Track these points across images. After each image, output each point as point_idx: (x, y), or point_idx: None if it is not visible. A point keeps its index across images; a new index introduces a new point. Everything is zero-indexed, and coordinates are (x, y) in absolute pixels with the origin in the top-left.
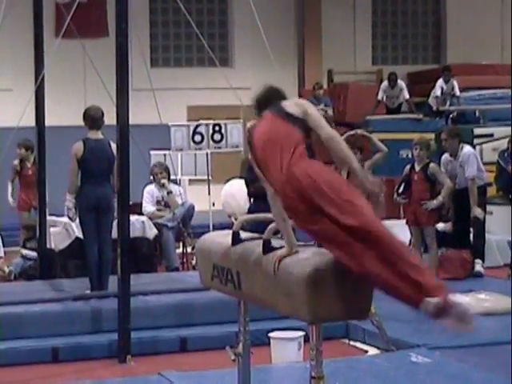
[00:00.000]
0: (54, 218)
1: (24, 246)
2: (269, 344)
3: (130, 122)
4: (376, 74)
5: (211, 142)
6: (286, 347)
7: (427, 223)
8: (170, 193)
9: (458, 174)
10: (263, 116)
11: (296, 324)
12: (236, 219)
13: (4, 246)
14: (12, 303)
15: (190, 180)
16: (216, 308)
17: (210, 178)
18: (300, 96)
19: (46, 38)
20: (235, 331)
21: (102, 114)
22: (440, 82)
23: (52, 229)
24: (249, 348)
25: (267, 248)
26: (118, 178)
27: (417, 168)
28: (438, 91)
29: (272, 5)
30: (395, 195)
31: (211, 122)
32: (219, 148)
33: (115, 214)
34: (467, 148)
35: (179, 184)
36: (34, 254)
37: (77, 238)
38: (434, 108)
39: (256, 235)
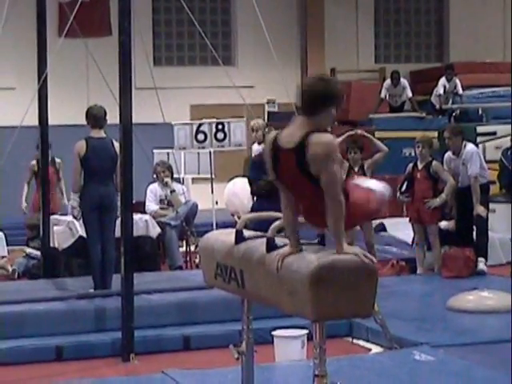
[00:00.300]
0: (57, 216)
1: (28, 245)
2: (272, 342)
3: (133, 121)
4: (379, 73)
5: (214, 140)
6: (290, 345)
7: (430, 221)
8: (173, 191)
9: (460, 172)
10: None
11: (299, 322)
12: (239, 218)
13: (8, 245)
14: (16, 302)
15: (193, 179)
16: (219, 306)
17: (213, 176)
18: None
19: (49, 37)
20: (238, 330)
21: (105, 113)
22: (443, 80)
23: (55, 228)
24: (252, 346)
25: (271, 246)
26: (121, 176)
27: (419, 166)
28: (440, 89)
29: (275, 3)
30: (398, 193)
31: (214, 120)
32: (222, 147)
33: (118, 212)
34: (470, 146)
35: (182, 183)
36: (37, 252)
37: (80, 237)
38: (437, 106)
39: (259, 234)
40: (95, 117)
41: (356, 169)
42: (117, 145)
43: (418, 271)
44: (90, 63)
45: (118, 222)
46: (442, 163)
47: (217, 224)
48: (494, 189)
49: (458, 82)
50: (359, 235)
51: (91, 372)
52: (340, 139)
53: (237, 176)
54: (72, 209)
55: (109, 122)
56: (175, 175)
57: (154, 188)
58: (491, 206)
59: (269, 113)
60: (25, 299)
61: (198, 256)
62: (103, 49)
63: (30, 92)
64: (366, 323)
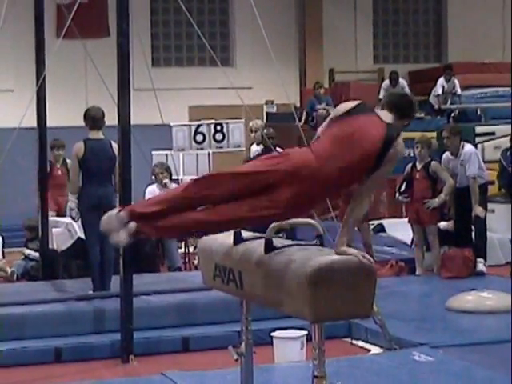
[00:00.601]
0: (56, 218)
1: (26, 247)
2: (271, 343)
3: (132, 122)
4: (377, 73)
5: (213, 141)
6: (289, 346)
7: (429, 222)
8: None
9: (459, 172)
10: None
11: (298, 323)
12: None
13: (6, 247)
14: (14, 304)
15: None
16: (218, 308)
17: None
18: (301, 95)
19: (47, 39)
20: (237, 331)
21: (103, 115)
22: (441, 80)
23: (54, 229)
24: (251, 347)
25: (269, 247)
26: (119, 178)
27: (418, 166)
28: (439, 90)
29: (273, 4)
30: (397, 194)
31: (213, 121)
32: (221, 148)
33: None
34: (468, 146)
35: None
36: (36, 254)
37: (79, 239)
38: (436, 107)
39: (258, 234)
40: (93, 118)
41: None
42: (115, 146)
43: (417, 272)
44: (89, 64)
45: None
46: (440, 163)
47: None
48: (493, 189)
49: (456, 82)
50: (357, 236)
51: (90, 374)
52: None
53: None
54: (70, 210)
55: (107, 123)
56: (174, 176)
57: (153, 189)
58: (490, 206)
59: (267, 114)
60: (24, 301)
61: (196, 257)
62: (101, 50)
63: (29, 94)
64: (365, 324)
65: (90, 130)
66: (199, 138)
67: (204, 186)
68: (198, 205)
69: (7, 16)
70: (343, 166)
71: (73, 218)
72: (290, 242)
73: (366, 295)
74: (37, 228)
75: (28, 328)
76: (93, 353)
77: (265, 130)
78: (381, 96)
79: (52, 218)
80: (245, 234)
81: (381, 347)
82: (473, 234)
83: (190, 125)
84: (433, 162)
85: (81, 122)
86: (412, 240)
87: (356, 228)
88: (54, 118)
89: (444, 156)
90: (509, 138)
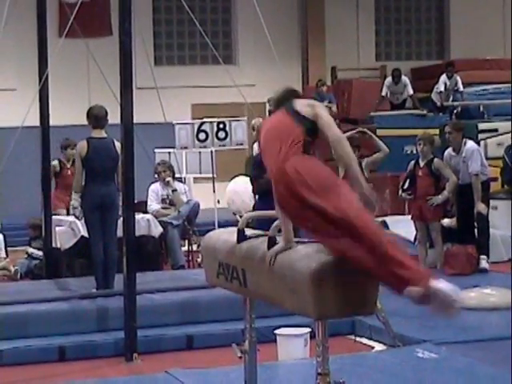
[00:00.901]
0: (59, 216)
1: (30, 245)
2: (275, 341)
3: (135, 121)
4: (380, 70)
5: (216, 139)
6: (292, 344)
7: (433, 219)
8: (174, 191)
9: (461, 169)
10: (275, 112)
11: (302, 321)
12: (241, 217)
13: (10, 246)
14: (18, 302)
15: (194, 178)
16: (222, 305)
17: (214, 175)
18: (303, 93)
19: (50, 38)
20: (241, 328)
21: (106, 113)
22: (443, 77)
23: (57, 228)
24: (255, 345)
25: (272, 245)
26: (122, 176)
27: (421, 163)
28: (441, 87)
29: (275, 2)
30: (400, 191)
31: (215, 119)
32: (224, 146)
33: (120, 212)
34: (470, 143)
35: (184, 182)
36: (39, 253)
37: (82, 237)
38: (438, 104)
39: (261, 232)
40: (96, 117)
41: None
42: (118, 145)
43: None
44: (91, 63)
45: (120, 221)
46: (443, 160)
47: (219, 223)
48: (496, 186)
49: (458, 79)
50: None
51: (94, 372)
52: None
53: (238, 175)
54: (74, 209)
55: (110, 121)
56: (177, 175)
57: (156, 187)
58: (493, 202)
59: (270, 111)
60: (27, 300)
61: (200, 255)
62: (104, 49)
63: (31, 93)
64: (369, 321)
65: (92, 128)
66: (202, 136)
67: None
68: None
69: (10, 15)
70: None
71: (76, 217)
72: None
73: (369, 292)
74: (41, 227)
75: (32, 326)
76: (96, 351)
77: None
78: (383, 93)
79: (55, 217)
80: (248, 231)
81: (384, 344)
82: (475, 230)
83: (192, 123)
84: (435, 159)
85: (84, 121)
86: (415, 237)
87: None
88: (57, 117)
89: (446, 152)
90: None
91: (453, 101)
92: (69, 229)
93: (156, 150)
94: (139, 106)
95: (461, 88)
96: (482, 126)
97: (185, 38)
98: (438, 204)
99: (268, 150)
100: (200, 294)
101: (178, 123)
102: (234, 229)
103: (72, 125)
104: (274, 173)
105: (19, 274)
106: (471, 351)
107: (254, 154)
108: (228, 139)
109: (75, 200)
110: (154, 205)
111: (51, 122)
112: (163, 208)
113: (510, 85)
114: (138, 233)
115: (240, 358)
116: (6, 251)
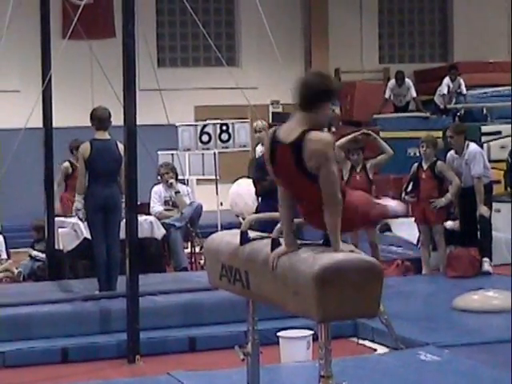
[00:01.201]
0: (62, 218)
1: (33, 247)
2: (278, 343)
3: (138, 123)
4: (383, 73)
5: (219, 141)
6: (295, 346)
7: (436, 221)
8: (177, 193)
9: (463, 171)
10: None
11: (305, 323)
12: (244, 219)
13: (13, 248)
14: (21, 304)
15: (197, 180)
16: (224, 308)
17: (217, 177)
18: None
19: (53, 39)
20: (244, 331)
21: (109, 115)
22: (447, 80)
23: (60, 230)
24: (258, 347)
25: (276, 247)
26: (125, 178)
27: (424, 166)
28: (444, 89)
29: (279, 4)
30: (403, 194)
31: (218, 121)
32: (227, 148)
33: (123, 214)
34: (473, 146)
35: (187, 184)
36: (42, 255)
37: (85, 239)
38: (441, 106)
39: (264, 234)
40: (100, 118)
41: (358, 169)
42: (121, 146)
43: (424, 271)
44: (94, 65)
45: (123, 223)
46: (445, 162)
47: (221, 225)
48: (499, 188)
49: (461, 81)
50: (363, 236)
51: (97, 374)
52: (344, 140)
53: (241, 177)
54: (77, 211)
55: (113, 123)
56: (180, 176)
57: (159, 189)
58: (496, 205)
59: (273, 114)
60: (30, 301)
61: (202, 257)
62: (107, 50)
63: (35, 94)
64: (372, 323)
65: (96, 130)
66: (205, 138)
67: None
68: None
69: (13, 17)
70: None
71: (80, 219)
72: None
73: (372, 295)
74: (44, 228)
75: (34, 328)
76: (99, 353)
77: (270, 130)
78: (386, 96)
79: (58, 219)
80: (251, 233)
81: (387, 347)
82: (478, 233)
83: (195, 125)
84: (439, 162)
85: (87, 123)
86: (418, 239)
87: None
88: (60, 119)
89: (448, 155)
90: None
91: (456, 103)
92: (72, 230)
93: (159, 152)
94: (142, 107)
95: (464, 90)
96: (485, 128)
97: (188, 40)
98: (442, 207)
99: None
100: (203, 296)
101: (181, 125)
102: (237, 231)
103: (75, 126)
104: None
105: (22, 276)
106: (474, 354)
107: (257, 155)
108: (231, 141)
109: (78, 202)
110: (156, 207)
111: (54, 124)
112: (166, 210)
113: None
114: (140, 235)
115: (242, 360)
116: (8, 253)
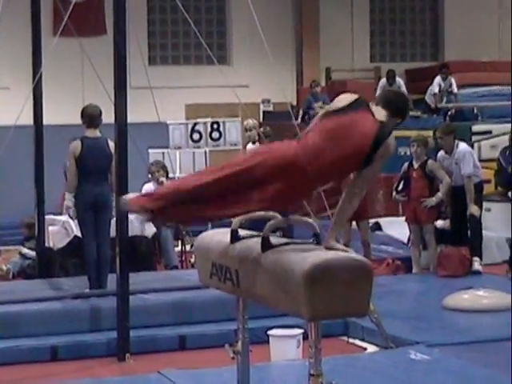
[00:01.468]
0: (52, 216)
1: (23, 245)
2: (268, 342)
3: (128, 121)
4: (374, 72)
5: (209, 140)
6: (285, 345)
7: (427, 220)
8: None
9: (453, 171)
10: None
11: (295, 322)
12: None
13: (3, 245)
14: (11, 302)
15: None
16: (215, 306)
17: None
18: (298, 94)
19: (44, 37)
20: (234, 329)
21: (100, 113)
22: (438, 79)
23: (51, 227)
24: (248, 346)
25: (266, 245)
26: (116, 176)
27: (415, 165)
28: (435, 88)
29: (270, 3)
30: (394, 193)
31: (209, 120)
32: (217, 146)
33: (113, 212)
34: (463, 145)
35: None
36: (33, 253)
37: (75, 237)
38: (432, 105)
39: (255, 233)
40: (90, 116)
41: None
42: (112, 144)
43: (414, 270)
44: (85, 62)
45: (113, 221)
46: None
47: (212, 223)
48: (489, 188)
49: (453, 80)
50: (355, 234)
51: (87, 372)
52: None
53: None
54: (67, 209)
55: (104, 121)
56: (170, 175)
57: (149, 187)
58: (487, 204)
59: (264, 112)
60: (20, 299)
61: (193, 255)
62: (98, 48)
63: (25, 91)
64: (362, 322)
65: (86, 128)
66: (196, 136)
67: (199, 181)
68: (196, 198)
69: (4, 14)
70: (332, 162)
71: (70, 217)
72: (286, 240)
73: (362, 294)
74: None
75: (24, 326)
76: (89, 351)
77: (261, 129)
78: (377, 94)
79: (48, 216)
80: (242, 232)
81: (377, 346)
82: (468, 232)
83: (186, 123)
84: (429, 161)
85: (78, 120)
86: (408, 238)
87: (356, 225)
88: (51, 116)
89: (439, 154)
90: (506, 136)
91: (447, 102)
92: (62, 228)
93: (150, 150)
94: (133, 105)
95: (455, 90)
96: (475, 127)
97: (179, 38)
98: (432, 206)
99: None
100: (193, 295)
101: (171, 123)
102: (228, 229)
103: (66, 124)
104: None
105: (11, 274)
106: (464, 353)
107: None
108: (222, 139)
109: (69, 200)
110: None
111: (45, 121)
112: None
113: (504, 87)
114: (131, 233)
115: (233, 358)
116: None
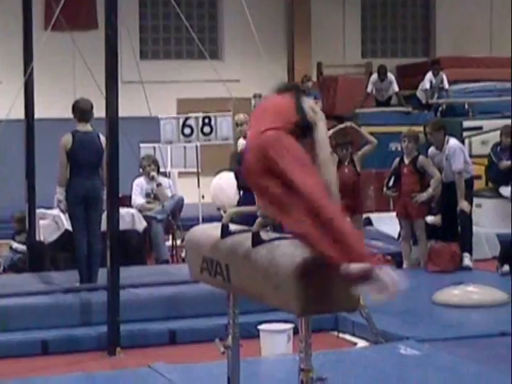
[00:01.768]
0: (43, 210)
1: (14, 239)
2: (258, 336)
3: (120, 115)
4: (365, 67)
5: (201, 134)
6: (276, 340)
7: (417, 216)
8: (159, 185)
9: (444, 166)
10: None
11: (285, 316)
12: (225, 212)
13: None
14: (1, 296)
15: (179, 173)
16: (205, 301)
17: (199, 170)
18: None
19: (35, 31)
20: (224, 324)
21: (91, 107)
22: (429, 75)
23: (41, 221)
24: (238, 340)
25: (256, 241)
26: (107, 170)
27: (406, 161)
28: (426, 84)
29: None
30: (385, 188)
31: (201, 114)
32: (209, 140)
33: (104, 206)
34: (453, 141)
35: (169, 177)
36: (23, 247)
37: (66, 231)
38: (423, 101)
39: (245, 228)
40: (81, 110)
41: (346, 162)
42: (103, 138)
43: (404, 265)
44: (77, 57)
45: (104, 215)
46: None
47: (203, 218)
48: (480, 183)
49: (444, 76)
50: None
51: (77, 366)
52: (331, 132)
53: (223, 170)
54: (58, 202)
55: (95, 115)
56: (161, 169)
57: (140, 182)
58: (477, 200)
59: (255, 107)
60: (10, 293)
61: (184, 250)
62: (89, 42)
63: (16, 85)
64: (352, 317)
65: (78, 122)
66: (187, 130)
67: None
68: None
69: None
70: (264, 129)
71: (62, 211)
72: (277, 235)
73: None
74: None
75: (14, 320)
76: (79, 345)
77: None
78: (368, 90)
79: (39, 210)
80: (232, 226)
81: (367, 340)
82: (459, 228)
83: (178, 117)
84: (420, 157)
85: (69, 114)
86: (399, 234)
87: (348, 219)
88: (42, 110)
89: (430, 150)
90: (497, 132)
91: (438, 98)
92: (52, 222)
93: (141, 145)
94: (124, 99)
95: (446, 86)
96: (466, 123)
97: (171, 33)
98: (423, 201)
99: (257, 122)
100: (183, 289)
101: (163, 117)
102: (218, 224)
103: (57, 118)
104: (252, 138)
105: (2, 268)
106: (454, 348)
107: (239, 149)
108: (213, 134)
109: (60, 194)
110: (138, 199)
111: (36, 115)
112: (147, 202)
113: (495, 83)
114: (122, 227)
115: (223, 353)
116: None
